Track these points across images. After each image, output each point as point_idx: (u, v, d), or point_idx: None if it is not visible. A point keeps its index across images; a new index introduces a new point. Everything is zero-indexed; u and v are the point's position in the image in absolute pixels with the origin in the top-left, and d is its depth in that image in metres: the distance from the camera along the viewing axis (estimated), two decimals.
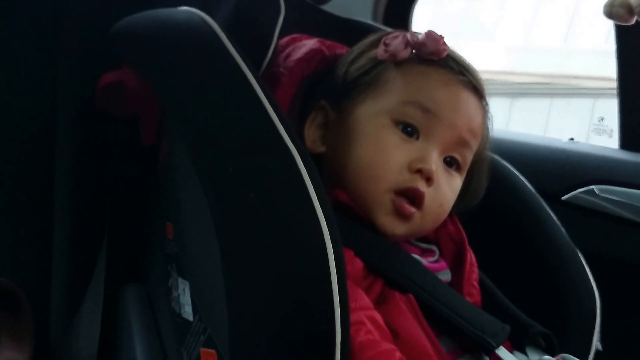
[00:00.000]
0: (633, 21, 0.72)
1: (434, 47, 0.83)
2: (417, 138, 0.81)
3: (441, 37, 0.84)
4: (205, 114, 0.73)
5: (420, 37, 0.84)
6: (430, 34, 0.83)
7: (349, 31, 1.01)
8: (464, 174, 0.87)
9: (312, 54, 0.91)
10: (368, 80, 0.84)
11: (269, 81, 0.87)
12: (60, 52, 0.92)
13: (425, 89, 0.82)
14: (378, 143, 0.81)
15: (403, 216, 0.80)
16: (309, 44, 0.93)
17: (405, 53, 0.83)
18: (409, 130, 0.81)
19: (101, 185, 0.93)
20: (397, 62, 0.84)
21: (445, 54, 0.83)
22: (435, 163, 0.81)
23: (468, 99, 0.84)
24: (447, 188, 0.84)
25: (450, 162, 0.84)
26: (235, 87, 0.73)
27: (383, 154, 0.80)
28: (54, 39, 0.93)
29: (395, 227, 0.81)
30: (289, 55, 0.92)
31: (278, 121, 0.70)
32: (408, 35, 0.84)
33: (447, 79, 0.83)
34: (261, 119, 0.71)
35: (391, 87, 0.83)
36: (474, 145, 0.86)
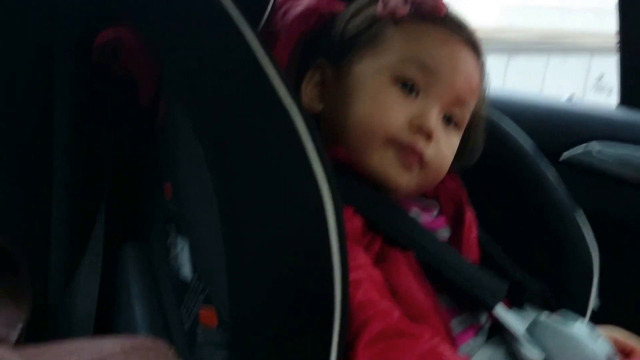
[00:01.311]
0: None
1: (433, 5, 0.82)
2: (417, 96, 0.81)
3: None
4: (205, 74, 0.72)
5: None
6: None
7: None
8: (462, 132, 0.87)
9: (309, 11, 0.90)
10: (366, 37, 0.83)
11: (267, 39, 0.86)
12: (58, 11, 0.91)
13: (424, 47, 0.82)
14: (377, 99, 0.80)
15: (406, 166, 0.80)
16: (306, 1, 0.92)
17: (404, 10, 0.82)
18: (409, 87, 0.81)
19: (99, 145, 0.92)
20: (396, 20, 0.83)
21: (444, 11, 0.83)
22: (435, 120, 0.81)
23: (466, 57, 0.84)
24: (446, 145, 0.84)
25: (449, 120, 0.84)
26: (235, 50, 0.72)
27: (383, 110, 0.80)
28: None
29: (400, 177, 0.81)
30: (286, 12, 0.91)
31: (278, 80, 0.70)
32: None
33: (446, 37, 0.83)
34: (260, 78, 0.70)
35: (390, 44, 0.82)
36: (472, 103, 0.86)
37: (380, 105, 0.80)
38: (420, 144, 0.80)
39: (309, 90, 0.86)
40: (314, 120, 0.70)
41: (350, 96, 0.82)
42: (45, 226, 0.88)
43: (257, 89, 0.70)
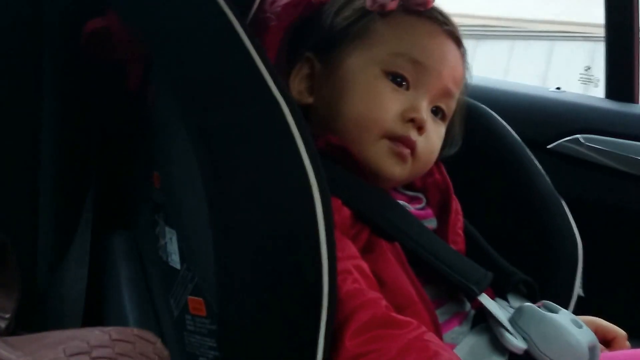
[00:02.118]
0: None
1: None
2: (407, 88, 0.83)
3: None
4: (192, 63, 0.72)
5: None
6: None
7: None
8: (447, 122, 0.89)
9: None
10: (356, 31, 0.84)
11: (257, 27, 0.86)
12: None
13: (414, 41, 0.83)
14: (370, 93, 0.82)
15: (400, 158, 0.82)
16: None
17: (393, 4, 0.83)
18: (399, 81, 0.82)
19: (87, 133, 0.92)
20: (384, 13, 0.83)
21: (431, 5, 0.84)
22: (425, 112, 0.82)
23: (452, 50, 0.86)
24: (435, 136, 0.86)
25: (436, 112, 0.86)
26: (222, 37, 0.72)
27: (376, 104, 0.81)
28: None
29: (394, 168, 0.82)
30: (275, 0, 0.91)
31: (265, 71, 0.70)
32: None
33: (434, 30, 0.85)
34: (249, 67, 0.70)
35: (380, 38, 0.83)
36: (457, 94, 0.88)
37: (373, 98, 0.81)
38: (413, 135, 0.81)
39: (297, 84, 0.87)
40: (301, 111, 0.70)
41: (342, 90, 0.83)
42: (33, 214, 0.88)
43: (245, 77, 0.71)
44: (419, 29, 0.84)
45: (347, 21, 0.85)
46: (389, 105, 0.81)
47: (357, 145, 0.81)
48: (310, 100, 0.86)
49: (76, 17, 0.86)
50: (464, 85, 0.90)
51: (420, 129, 0.82)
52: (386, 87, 0.82)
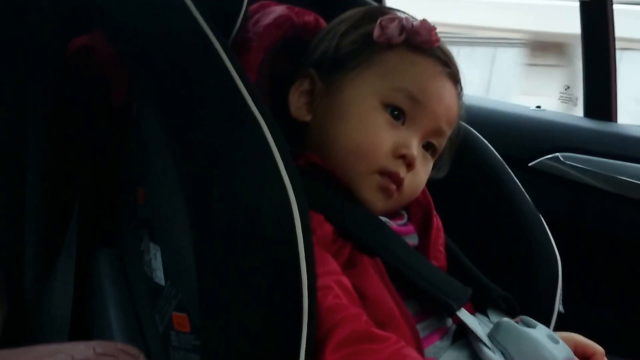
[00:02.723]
0: None
1: (427, 37, 0.85)
2: (403, 123, 0.84)
3: (434, 27, 0.86)
4: (173, 84, 0.73)
5: (415, 23, 0.85)
6: (424, 24, 0.85)
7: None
8: (436, 157, 0.91)
9: (280, 19, 0.92)
10: (361, 58, 0.85)
11: (239, 47, 0.87)
12: (31, 15, 0.91)
13: (416, 79, 0.85)
14: (368, 125, 0.83)
15: (386, 193, 0.84)
16: (278, 10, 0.93)
17: (400, 39, 0.85)
18: (396, 114, 0.84)
19: (72, 149, 0.93)
20: (389, 45, 0.85)
21: (436, 44, 0.86)
22: (416, 149, 0.84)
23: (450, 91, 0.88)
24: (422, 172, 0.88)
25: (427, 147, 0.88)
26: (203, 57, 0.73)
27: (372, 136, 0.83)
28: (23, 2, 0.92)
29: (378, 202, 0.84)
30: (257, 21, 0.92)
31: (245, 90, 0.71)
32: (404, 21, 0.85)
33: (436, 71, 0.86)
34: (228, 87, 0.71)
35: (383, 70, 0.85)
36: (449, 132, 0.89)
37: (370, 133, 0.83)
38: (402, 172, 0.83)
39: (296, 98, 0.88)
40: (279, 128, 0.71)
41: (341, 117, 0.84)
42: (19, 230, 0.89)
43: (225, 95, 0.72)
44: (423, 67, 0.85)
45: (353, 46, 0.86)
46: (383, 138, 0.82)
47: (348, 173, 0.83)
48: (308, 118, 0.88)
49: (62, 34, 0.86)
50: (457, 124, 0.92)
51: (409, 165, 0.83)
52: (383, 120, 0.83)
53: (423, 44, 0.85)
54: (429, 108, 0.84)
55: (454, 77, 0.88)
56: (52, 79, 0.92)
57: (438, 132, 0.87)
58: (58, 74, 0.90)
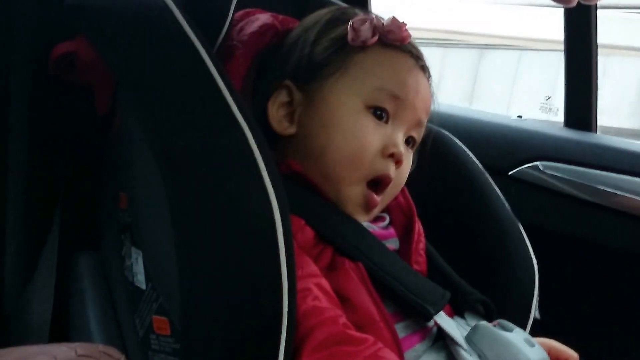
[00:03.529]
0: (574, 3, 0.75)
1: (399, 34, 0.86)
2: (386, 121, 0.85)
3: (404, 23, 0.87)
4: (157, 89, 0.73)
5: (385, 22, 0.86)
6: (394, 21, 0.86)
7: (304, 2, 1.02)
8: (415, 148, 0.92)
9: (265, 27, 0.92)
10: (337, 63, 0.86)
11: (223, 54, 0.88)
12: (15, 21, 0.91)
13: (394, 76, 0.86)
14: (355, 130, 0.83)
15: (369, 207, 0.85)
16: (262, 18, 0.94)
17: (374, 40, 0.86)
18: (379, 114, 0.85)
19: (55, 153, 0.93)
20: (363, 46, 0.86)
21: (408, 40, 0.87)
22: (402, 146, 0.86)
23: (424, 82, 0.89)
24: (406, 166, 0.89)
25: (408, 141, 0.89)
26: (187, 63, 0.74)
27: (362, 140, 0.83)
28: (7, 8, 0.92)
29: (361, 216, 0.86)
30: (242, 29, 0.93)
31: (230, 98, 0.72)
32: (375, 21, 0.86)
33: (411, 65, 0.88)
34: (213, 95, 0.72)
35: (362, 72, 0.85)
36: (425, 122, 0.91)
37: (359, 138, 0.83)
38: (392, 171, 0.85)
39: (275, 110, 0.87)
40: (264, 135, 0.72)
41: (327, 125, 0.84)
42: (0, 233, 0.89)
43: (209, 103, 0.72)
44: (398, 64, 0.87)
45: (327, 52, 0.86)
46: (372, 140, 0.83)
47: (335, 186, 0.84)
48: (292, 130, 0.87)
49: (46, 40, 0.87)
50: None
51: (398, 162, 0.85)
52: (369, 122, 0.84)
53: (396, 41, 0.87)
54: (409, 102, 0.86)
55: (425, 69, 0.90)
56: (36, 83, 0.92)
57: (418, 124, 0.89)
58: (42, 79, 0.90)
